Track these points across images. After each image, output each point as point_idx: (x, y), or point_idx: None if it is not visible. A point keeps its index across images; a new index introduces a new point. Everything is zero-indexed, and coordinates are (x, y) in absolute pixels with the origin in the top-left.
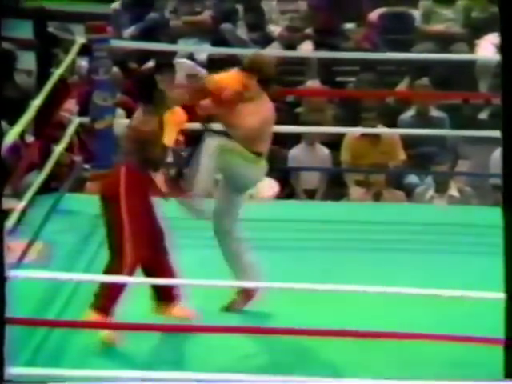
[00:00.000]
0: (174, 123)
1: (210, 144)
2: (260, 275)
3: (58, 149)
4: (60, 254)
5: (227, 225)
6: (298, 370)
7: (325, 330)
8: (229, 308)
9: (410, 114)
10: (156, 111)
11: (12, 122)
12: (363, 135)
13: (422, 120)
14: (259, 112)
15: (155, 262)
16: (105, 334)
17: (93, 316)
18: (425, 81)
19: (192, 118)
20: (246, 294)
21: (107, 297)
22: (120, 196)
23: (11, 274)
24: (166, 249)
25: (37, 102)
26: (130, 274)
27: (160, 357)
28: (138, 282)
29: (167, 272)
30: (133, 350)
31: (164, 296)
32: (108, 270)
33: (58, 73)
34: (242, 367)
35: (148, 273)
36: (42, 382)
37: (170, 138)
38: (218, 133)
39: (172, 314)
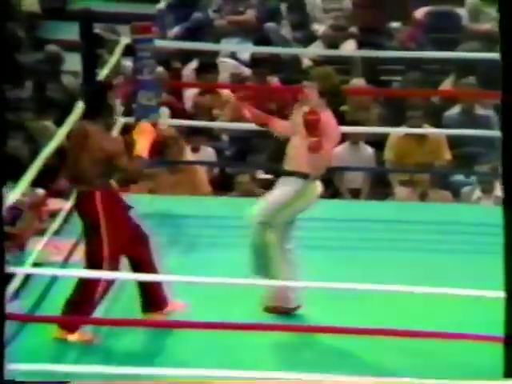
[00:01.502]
0: (144, 135)
1: (286, 189)
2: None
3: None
4: None
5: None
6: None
7: (372, 329)
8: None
9: (455, 110)
10: (106, 126)
11: (59, 123)
12: (408, 134)
13: (468, 118)
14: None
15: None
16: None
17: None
18: (471, 80)
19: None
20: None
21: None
22: (99, 220)
23: (11, 269)
24: (150, 253)
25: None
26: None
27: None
28: (149, 279)
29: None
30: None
31: (151, 302)
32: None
33: (103, 74)
34: (289, 365)
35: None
36: (43, 381)
37: (142, 148)
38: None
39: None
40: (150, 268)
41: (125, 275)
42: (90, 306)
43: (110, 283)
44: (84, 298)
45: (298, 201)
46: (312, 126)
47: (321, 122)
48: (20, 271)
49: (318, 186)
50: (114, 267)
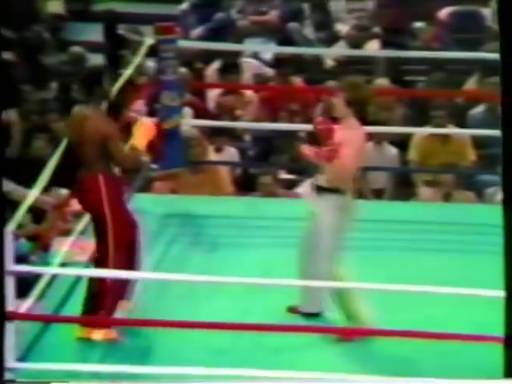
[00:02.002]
0: (144, 131)
1: (322, 205)
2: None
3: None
4: None
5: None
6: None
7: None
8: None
9: (479, 109)
10: (102, 110)
11: None
12: (432, 134)
13: (492, 117)
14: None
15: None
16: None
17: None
18: (494, 80)
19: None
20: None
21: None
22: (103, 207)
23: (11, 267)
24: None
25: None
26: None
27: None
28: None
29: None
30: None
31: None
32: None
33: (126, 74)
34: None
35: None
36: (44, 381)
37: (141, 142)
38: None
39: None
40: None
41: (142, 275)
42: (108, 303)
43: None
44: (99, 294)
45: (338, 217)
46: (323, 136)
47: (334, 131)
48: (46, 271)
49: (353, 200)
50: (123, 257)
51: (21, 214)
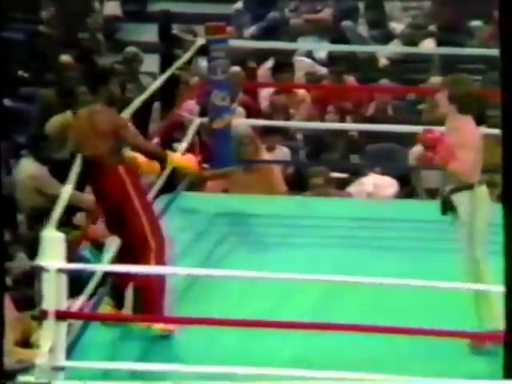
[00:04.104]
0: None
1: (458, 201)
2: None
3: (179, 149)
4: (176, 251)
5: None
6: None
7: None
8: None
9: None
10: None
11: (138, 124)
12: (488, 134)
13: None
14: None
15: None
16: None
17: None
18: None
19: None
20: None
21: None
22: (129, 195)
23: (60, 265)
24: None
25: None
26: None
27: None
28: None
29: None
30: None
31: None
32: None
33: (176, 74)
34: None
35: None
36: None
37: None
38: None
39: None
40: None
41: (187, 271)
42: (156, 296)
43: (163, 257)
44: (147, 288)
45: (479, 211)
46: (431, 145)
47: (441, 140)
48: (98, 268)
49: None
50: (160, 246)
51: (78, 216)
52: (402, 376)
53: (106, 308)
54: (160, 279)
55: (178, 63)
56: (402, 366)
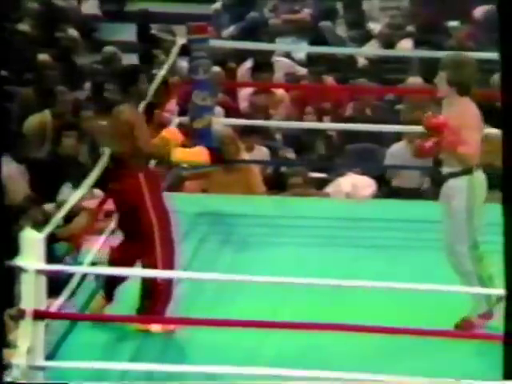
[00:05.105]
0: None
1: (457, 185)
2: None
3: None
4: None
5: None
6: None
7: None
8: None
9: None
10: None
11: None
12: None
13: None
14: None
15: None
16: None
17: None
18: None
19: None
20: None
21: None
22: (144, 202)
23: (41, 266)
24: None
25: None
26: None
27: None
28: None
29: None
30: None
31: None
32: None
33: (160, 74)
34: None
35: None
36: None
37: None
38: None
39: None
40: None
41: (177, 274)
42: (161, 300)
43: (170, 266)
44: (152, 291)
45: (474, 199)
46: (436, 131)
47: (446, 125)
48: (77, 270)
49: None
50: (169, 254)
51: (60, 216)
52: (390, 375)
53: (97, 299)
54: (169, 286)
55: (165, 64)
56: (388, 366)
